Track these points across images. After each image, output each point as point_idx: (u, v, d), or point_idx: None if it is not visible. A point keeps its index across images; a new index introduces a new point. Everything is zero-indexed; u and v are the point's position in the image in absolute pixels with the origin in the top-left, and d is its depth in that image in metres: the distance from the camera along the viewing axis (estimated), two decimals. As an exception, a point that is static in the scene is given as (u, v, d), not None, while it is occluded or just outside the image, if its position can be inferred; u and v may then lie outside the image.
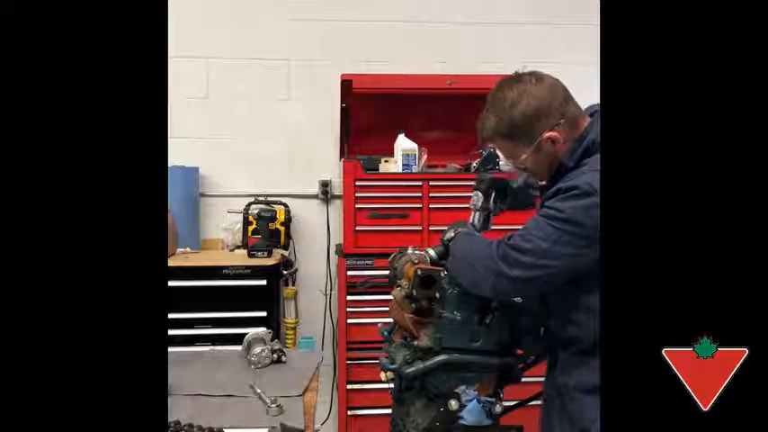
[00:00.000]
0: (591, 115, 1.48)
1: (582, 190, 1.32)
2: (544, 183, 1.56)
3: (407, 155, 2.94)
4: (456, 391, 1.49)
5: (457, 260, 1.51)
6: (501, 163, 2.89)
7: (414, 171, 2.93)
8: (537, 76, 1.47)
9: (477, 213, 1.60)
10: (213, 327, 2.70)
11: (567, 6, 3.39)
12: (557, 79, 1.49)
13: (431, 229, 2.83)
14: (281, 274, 2.98)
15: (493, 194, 1.60)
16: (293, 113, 3.36)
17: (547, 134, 1.43)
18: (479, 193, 1.60)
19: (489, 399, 1.50)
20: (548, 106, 1.43)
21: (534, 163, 1.48)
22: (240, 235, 3.13)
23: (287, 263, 3.16)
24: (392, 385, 1.56)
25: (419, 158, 2.96)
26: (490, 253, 1.39)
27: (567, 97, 1.47)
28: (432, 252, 1.63)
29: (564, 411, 1.45)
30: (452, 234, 1.57)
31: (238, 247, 3.13)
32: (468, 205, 1.64)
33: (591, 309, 1.37)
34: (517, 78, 1.48)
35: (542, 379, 1.59)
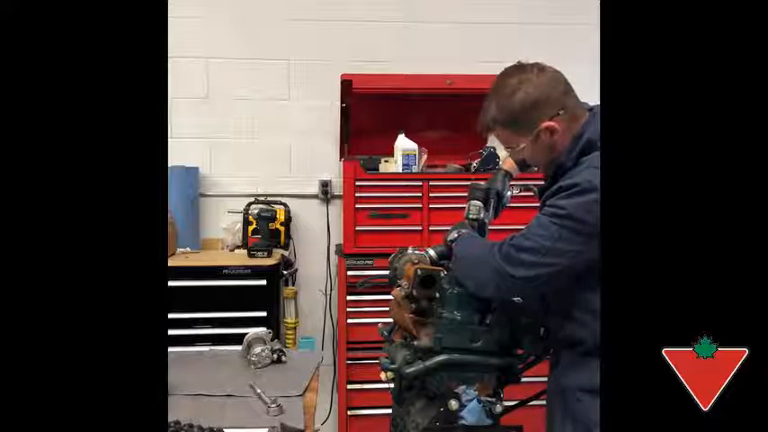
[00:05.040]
0: (590, 110, 1.48)
1: (582, 187, 1.33)
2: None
3: (407, 155, 2.94)
4: (456, 391, 1.49)
5: (460, 262, 1.51)
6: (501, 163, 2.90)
7: (414, 171, 2.93)
8: (539, 67, 1.47)
9: (475, 224, 1.60)
10: (213, 327, 2.70)
11: (567, 7, 3.39)
12: (558, 71, 1.49)
13: (431, 229, 2.83)
14: (281, 274, 2.98)
15: (491, 201, 1.60)
16: (293, 113, 3.36)
17: (545, 123, 1.43)
18: (478, 203, 1.60)
19: (489, 399, 1.50)
20: (547, 96, 1.43)
21: (532, 153, 1.49)
22: (240, 235, 3.13)
23: (287, 263, 3.16)
24: (392, 385, 1.56)
25: (419, 158, 2.96)
26: (493, 254, 1.39)
27: (568, 89, 1.47)
28: (432, 252, 1.63)
29: (567, 411, 1.45)
30: (456, 235, 1.57)
31: (238, 247, 3.13)
32: (462, 206, 1.64)
33: (595, 309, 1.37)
34: (519, 68, 1.48)
35: (543, 379, 1.59)
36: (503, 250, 1.38)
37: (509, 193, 1.68)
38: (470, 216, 1.62)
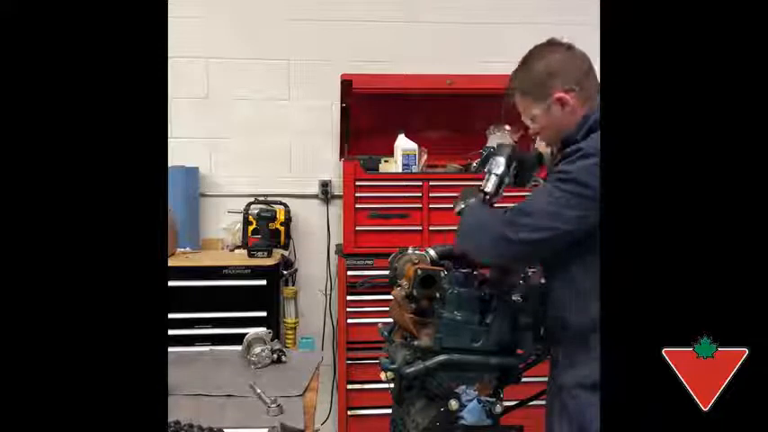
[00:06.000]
0: None
1: (586, 151, 1.35)
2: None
3: (407, 155, 2.94)
4: (456, 391, 1.49)
5: (463, 229, 1.52)
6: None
7: (414, 171, 2.93)
8: (569, 45, 1.51)
9: (493, 178, 1.55)
10: (213, 327, 2.70)
11: (567, 6, 3.39)
12: (586, 55, 1.51)
13: (431, 229, 2.82)
14: (281, 274, 2.98)
15: (513, 164, 1.59)
16: (293, 113, 3.36)
17: (557, 94, 1.45)
18: (501, 159, 1.57)
19: (489, 399, 1.50)
20: (566, 69, 1.47)
21: (544, 123, 1.50)
22: (240, 235, 3.13)
23: (287, 263, 3.16)
24: (392, 385, 1.56)
25: (419, 158, 2.96)
26: (496, 219, 1.42)
27: (590, 72, 1.49)
28: (432, 252, 1.63)
29: (563, 410, 1.46)
30: (463, 206, 1.57)
31: (238, 247, 3.13)
32: (483, 169, 1.63)
33: (589, 295, 1.35)
34: (551, 42, 1.53)
35: (543, 379, 1.59)
36: (506, 216, 1.41)
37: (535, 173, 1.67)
38: (492, 171, 1.56)
